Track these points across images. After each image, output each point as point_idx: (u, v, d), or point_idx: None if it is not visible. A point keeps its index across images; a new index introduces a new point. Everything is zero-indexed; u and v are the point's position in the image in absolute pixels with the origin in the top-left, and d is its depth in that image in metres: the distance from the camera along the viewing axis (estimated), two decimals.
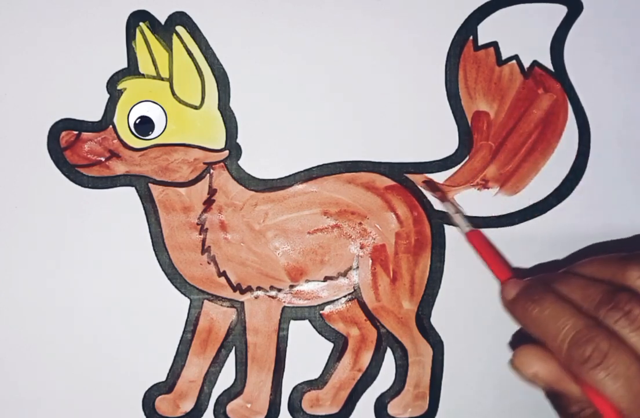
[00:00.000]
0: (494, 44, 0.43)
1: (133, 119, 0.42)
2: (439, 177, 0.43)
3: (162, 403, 0.43)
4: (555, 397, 0.36)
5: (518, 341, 0.43)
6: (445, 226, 0.43)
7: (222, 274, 0.43)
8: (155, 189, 0.43)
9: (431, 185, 0.42)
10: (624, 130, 0.43)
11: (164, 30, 0.42)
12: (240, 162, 0.43)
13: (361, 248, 0.43)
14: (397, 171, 0.43)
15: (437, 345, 0.43)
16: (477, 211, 0.43)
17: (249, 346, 0.43)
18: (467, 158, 0.43)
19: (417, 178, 0.43)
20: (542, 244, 0.43)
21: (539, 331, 0.35)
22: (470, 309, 0.43)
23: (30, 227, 0.43)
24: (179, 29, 0.42)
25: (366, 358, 0.43)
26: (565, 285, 0.35)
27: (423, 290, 0.43)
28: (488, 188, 0.43)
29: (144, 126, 0.42)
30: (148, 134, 0.42)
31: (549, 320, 0.34)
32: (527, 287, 0.36)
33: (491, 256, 0.39)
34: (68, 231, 0.43)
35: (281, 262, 0.43)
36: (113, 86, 0.42)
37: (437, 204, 0.43)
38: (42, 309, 0.43)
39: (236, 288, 0.43)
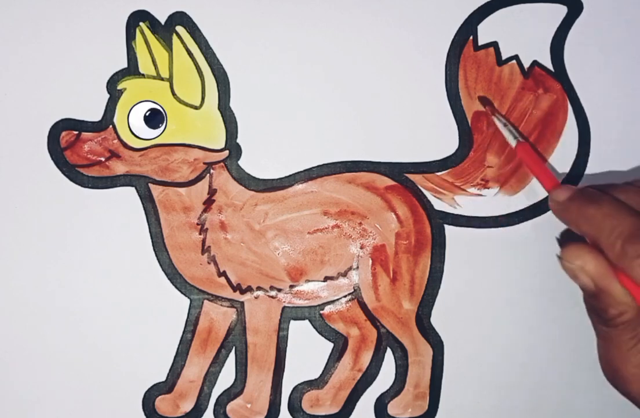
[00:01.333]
0: (494, 44, 0.43)
1: (134, 119, 0.42)
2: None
3: (162, 403, 0.43)
4: (593, 298, 0.36)
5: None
6: (446, 226, 0.43)
7: (222, 274, 0.43)
8: (155, 189, 0.43)
9: (485, 100, 0.43)
10: (624, 130, 0.43)
11: (164, 30, 0.42)
12: (240, 162, 0.43)
13: (361, 248, 0.43)
14: (397, 171, 0.43)
15: (437, 345, 0.43)
16: (477, 211, 0.43)
17: (249, 346, 0.43)
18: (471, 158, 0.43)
19: (417, 178, 0.43)
20: (542, 244, 0.43)
21: (593, 229, 0.36)
22: (470, 309, 0.43)
23: (30, 227, 0.43)
24: (179, 29, 0.42)
25: (366, 358, 0.43)
26: (621, 192, 0.37)
27: (423, 290, 0.43)
28: (488, 188, 0.43)
29: (154, 119, 0.42)
30: (158, 127, 0.42)
31: (605, 217, 0.35)
32: (583, 190, 0.37)
33: (540, 167, 0.40)
34: (68, 231, 0.43)
35: (281, 262, 0.43)
36: (113, 86, 0.43)
37: (437, 204, 0.43)
38: (42, 309, 0.43)
39: (236, 288, 0.43)
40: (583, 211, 0.36)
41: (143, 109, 0.42)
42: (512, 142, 0.41)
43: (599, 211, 0.36)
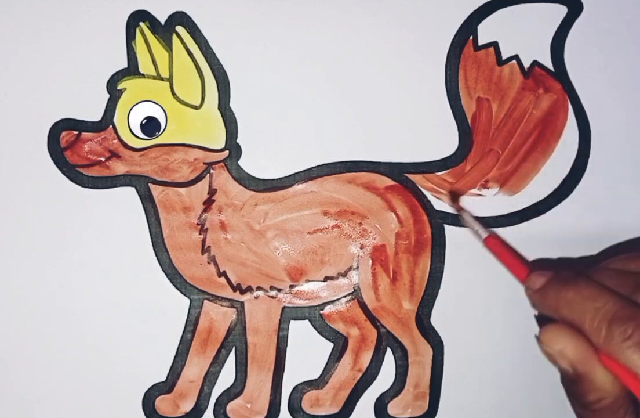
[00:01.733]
0: (494, 44, 0.43)
1: (133, 119, 0.42)
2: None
3: (162, 403, 0.43)
4: (572, 383, 0.35)
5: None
6: (446, 226, 0.43)
7: (222, 274, 0.43)
8: (155, 189, 0.43)
9: (454, 196, 0.42)
10: (624, 130, 0.43)
11: (164, 30, 0.42)
12: (240, 162, 0.43)
13: (361, 248, 0.43)
14: (397, 171, 0.43)
15: (437, 345, 0.43)
16: (477, 211, 0.43)
17: (249, 346, 0.43)
18: (473, 162, 0.43)
19: (417, 178, 0.43)
20: (542, 244, 0.43)
21: (575, 313, 0.34)
22: (470, 309, 0.43)
23: (30, 227, 0.43)
24: (179, 29, 0.42)
25: (366, 358, 0.43)
26: (596, 274, 0.35)
27: (423, 290, 0.43)
28: (488, 188, 0.43)
29: (150, 126, 0.42)
30: (154, 135, 0.42)
31: (586, 300, 0.34)
32: (557, 274, 0.36)
33: (510, 258, 0.39)
34: (68, 231, 0.43)
35: (281, 262, 0.43)
36: (113, 86, 0.43)
37: (437, 204, 0.43)
38: (42, 309, 0.43)
39: (236, 288, 0.43)
40: (562, 296, 0.35)
41: (143, 109, 0.42)
42: (483, 235, 0.40)
43: (578, 294, 0.34)
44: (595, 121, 0.43)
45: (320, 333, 0.43)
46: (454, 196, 0.43)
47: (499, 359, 0.43)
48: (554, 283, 0.36)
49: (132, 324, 0.43)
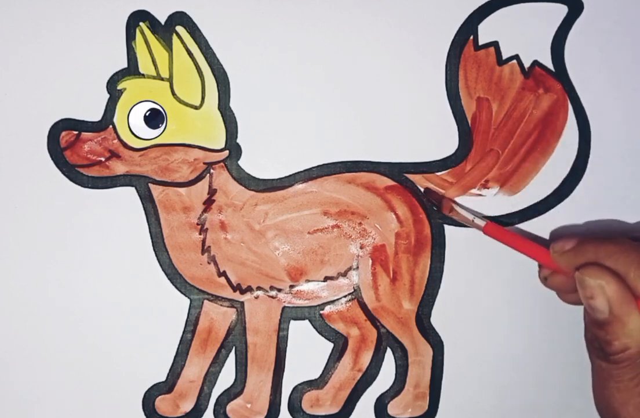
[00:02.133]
0: (495, 44, 0.43)
1: (134, 119, 0.42)
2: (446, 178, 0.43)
3: (162, 403, 0.43)
4: (601, 326, 0.35)
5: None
6: (446, 226, 0.43)
7: (222, 274, 0.43)
8: (155, 189, 0.43)
9: (431, 194, 0.42)
10: (624, 130, 0.43)
11: (164, 30, 0.42)
12: (240, 162, 0.43)
13: (361, 248, 0.43)
14: (397, 171, 0.43)
15: (437, 345, 0.43)
16: (477, 211, 0.43)
17: (249, 346, 0.43)
18: (473, 163, 0.43)
19: (417, 178, 0.43)
20: (542, 244, 0.43)
21: (618, 264, 0.35)
22: (470, 309, 0.43)
23: (30, 227, 0.43)
24: (179, 29, 0.42)
25: (366, 358, 0.43)
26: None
27: (423, 290, 0.43)
28: (488, 188, 0.43)
29: (154, 119, 0.42)
30: (158, 127, 0.42)
31: (630, 252, 0.35)
32: (587, 237, 0.37)
33: (519, 242, 0.40)
34: (68, 231, 0.43)
35: (281, 262, 0.43)
36: (113, 86, 0.42)
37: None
38: (42, 309, 0.43)
39: (236, 288, 0.43)
40: (602, 249, 0.35)
41: (143, 109, 0.42)
42: (481, 224, 0.40)
43: (620, 247, 0.35)
44: (595, 121, 0.43)
45: (320, 333, 0.43)
46: (437, 201, 0.43)
47: (499, 359, 0.43)
48: (589, 241, 0.36)
49: (132, 324, 0.43)
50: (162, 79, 0.42)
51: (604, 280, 0.34)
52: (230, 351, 0.43)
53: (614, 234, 0.42)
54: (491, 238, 0.40)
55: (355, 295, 0.43)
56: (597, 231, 0.43)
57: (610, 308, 0.34)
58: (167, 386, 0.43)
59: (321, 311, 0.43)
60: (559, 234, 0.43)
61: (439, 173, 0.43)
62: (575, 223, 0.43)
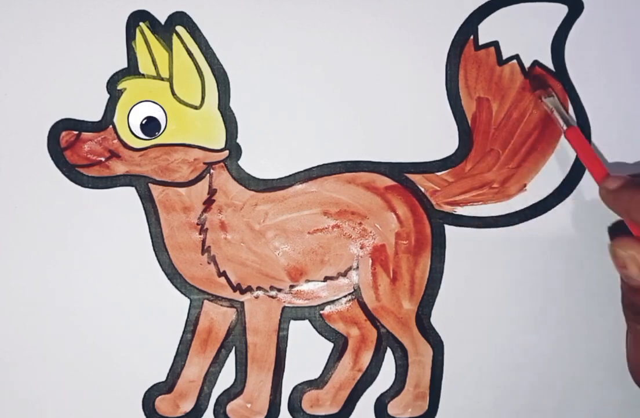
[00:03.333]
0: (495, 44, 0.43)
1: (134, 119, 0.42)
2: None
3: (162, 403, 0.43)
4: (636, 292, 0.36)
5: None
6: (446, 226, 0.43)
7: (222, 274, 0.43)
8: (155, 189, 0.43)
9: (539, 80, 0.42)
10: (624, 130, 0.43)
11: (164, 30, 0.42)
12: (240, 162, 0.43)
13: (361, 248, 0.43)
14: (397, 171, 0.43)
15: (437, 345, 0.43)
16: (477, 211, 0.43)
17: (249, 346, 0.43)
18: (473, 163, 0.43)
19: (417, 178, 0.43)
20: (542, 244, 0.43)
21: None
22: (470, 309, 0.43)
23: (30, 227, 0.43)
24: (179, 29, 0.42)
25: (366, 358, 0.43)
26: None
27: (423, 290, 0.43)
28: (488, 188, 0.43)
29: (150, 126, 0.42)
30: (154, 135, 0.42)
31: None
32: (634, 179, 0.37)
33: (589, 155, 0.40)
34: (68, 231, 0.43)
35: (281, 262, 0.43)
36: (113, 86, 0.43)
37: (437, 204, 0.43)
38: (42, 309, 0.43)
39: (236, 288, 0.43)
40: (635, 199, 0.36)
41: (143, 109, 0.42)
42: (563, 126, 0.41)
43: None
44: (595, 121, 0.43)
45: (320, 333, 0.43)
46: (538, 82, 0.42)
47: (499, 359, 0.43)
48: (629, 186, 0.37)
49: (132, 324, 0.43)
50: (162, 79, 0.42)
51: (634, 250, 0.36)
52: (230, 351, 0.43)
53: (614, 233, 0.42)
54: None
55: (355, 295, 0.43)
56: (597, 230, 0.43)
57: None
58: (167, 386, 0.43)
59: (321, 311, 0.43)
60: (559, 234, 0.43)
61: (439, 173, 0.43)
62: (575, 223, 0.43)
